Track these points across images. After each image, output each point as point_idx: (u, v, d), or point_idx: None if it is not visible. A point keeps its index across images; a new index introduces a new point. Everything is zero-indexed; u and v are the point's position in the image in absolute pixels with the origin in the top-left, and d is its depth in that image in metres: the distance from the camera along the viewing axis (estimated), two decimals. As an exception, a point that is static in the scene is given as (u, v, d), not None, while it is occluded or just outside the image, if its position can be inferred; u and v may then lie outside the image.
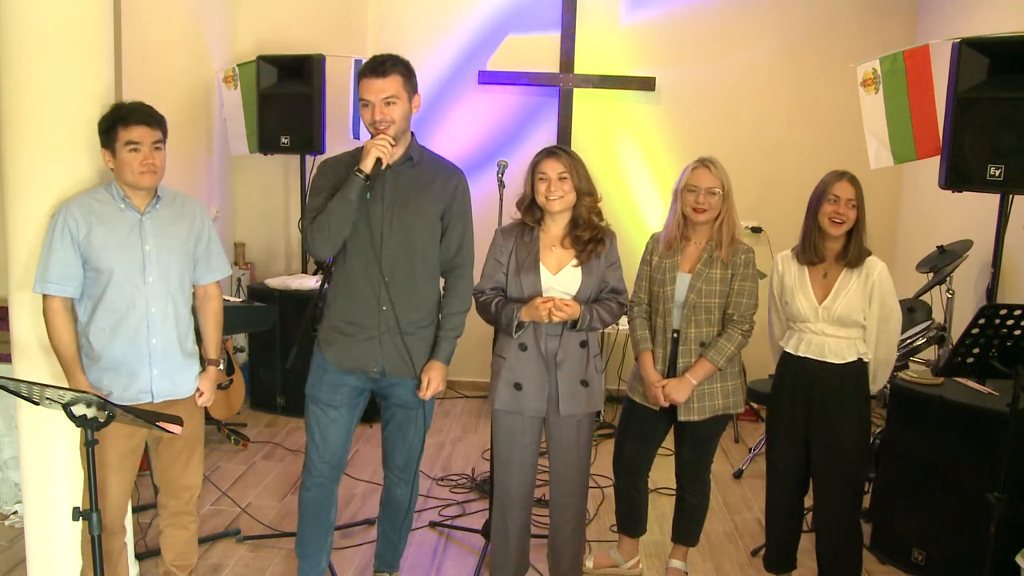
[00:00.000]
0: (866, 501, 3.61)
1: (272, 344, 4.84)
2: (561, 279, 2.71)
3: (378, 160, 2.48)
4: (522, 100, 5.36)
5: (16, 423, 2.66)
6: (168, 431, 2.18)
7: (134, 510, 2.78)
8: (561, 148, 2.74)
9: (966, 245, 3.94)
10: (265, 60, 4.89)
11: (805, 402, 2.82)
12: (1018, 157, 3.27)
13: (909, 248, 4.98)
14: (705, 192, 2.81)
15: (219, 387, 4.16)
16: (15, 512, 3.41)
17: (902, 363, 3.76)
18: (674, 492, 3.14)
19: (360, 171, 2.47)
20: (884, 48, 4.06)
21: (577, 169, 2.67)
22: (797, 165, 5.04)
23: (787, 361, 2.88)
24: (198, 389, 2.60)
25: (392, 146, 2.50)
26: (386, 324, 2.60)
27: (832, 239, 2.77)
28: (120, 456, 2.48)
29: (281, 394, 4.90)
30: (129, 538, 2.73)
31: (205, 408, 2.70)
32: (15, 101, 2.46)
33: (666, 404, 2.86)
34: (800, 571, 3.12)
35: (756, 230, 5.17)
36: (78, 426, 2.04)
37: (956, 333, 3.36)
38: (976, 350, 2.52)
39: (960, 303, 4.01)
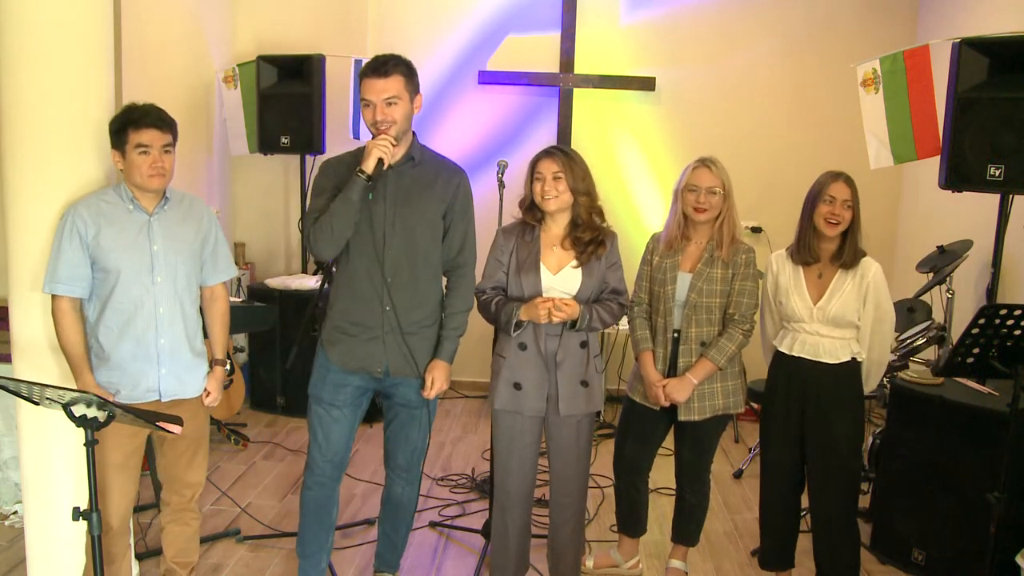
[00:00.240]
0: (866, 501, 3.62)
1: (272, 344, 4.85)
2: (561, 279, 2.71)
3: (380, 160, 2.48)
4: (522, 100, 5.36)
5: (16, 423, 2.66)
6: (168, 431, 2.18)
7: (134, 510, 2.78)
8: (560, 148, 2.73)
9: (966, 245, 3.94)
10: (265, 60, 4.89)
11: (799, 402, 2.82)
12: (1018, 157, 3.27)
13: (909, 248, 4.98)
14: (706, 192, 2.81)
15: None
16: (15, 512, 3.42)
17: (902, 363, 3.76)
18: (674, 492, 3.14)
19: (362, 172, 2.47)
20: (884, 48, 4.06)
21: (573, 169, 2.66)
22: (797, 165, 5.04)
23: (781, 361, 2.88)
24: (205, 389, 2.62)
25: (394, 146, 2.50)
26: (389, 324, 2.60)
27: (827, 240, 2.77)
28: (124, 456, 2.49)
29: (281, 394, 4.90)
30: (129, 538, 2.73)
31: (206, 407, 2.71)
32: (15, 101, 2.46)
33: (667, 404, 2.86)
34: (799, 571, 3.12)
35: (756, 230, 5.18)
36: (78, 426, 2.04)
37: (956, 333, 3.36)
38: (976, 350, 2.52)
39: (960, 303, 4.01)
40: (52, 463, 2.59)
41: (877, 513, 3.43)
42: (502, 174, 3.23)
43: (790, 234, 2.91)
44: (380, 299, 2.59)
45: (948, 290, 3.89)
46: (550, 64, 5.23)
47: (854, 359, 2.80)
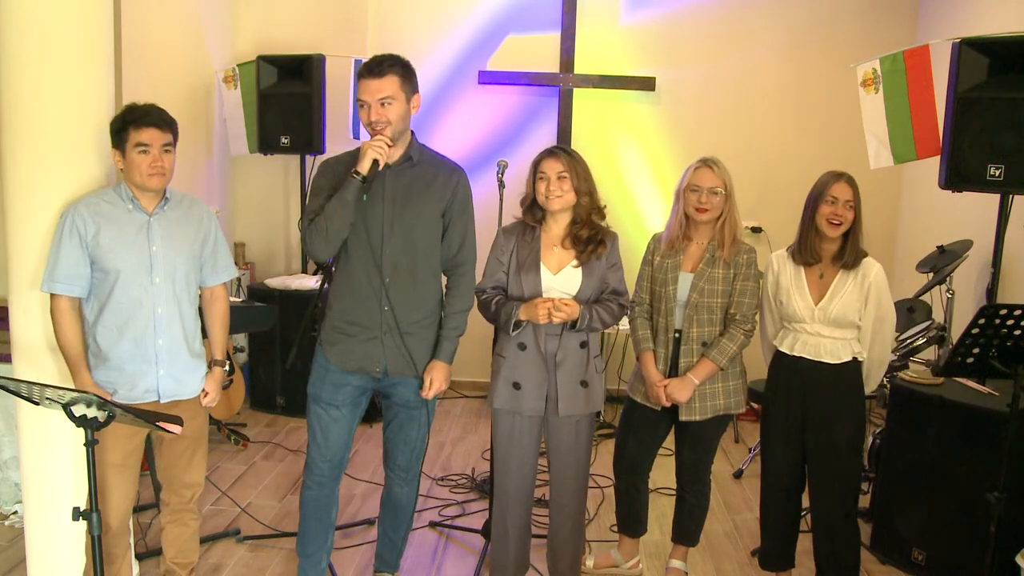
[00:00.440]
0: (866, 501, 3.62)
1: (272, 344, 4.85)
2: (561, 279, 2.71)
3: (375, 161, 2.47)
4: (522, 100, 5.36)
5: (16, 423, 2.66)
6: (168, 431, 2.18)
7: (134, 510, 2.78)
8: (562, 148, 2.74)
9: (966, 245, 3.94)
10: (265, 60, 4.90)
11: (800, 402, 2.82)
12: (1018, 157, 3.27)
13: (909, 248, 4.98)
14: (707, 192, 2.82)
15: (219, 387, 4.15)
16: (15, 512, 3.41)
17: (902, 363, 3.76)
18: (674, 492, 3.14)
19: (357, 173, 2.47)
20: (884, 48, 4.06)
21: (577, 169, 2.67)
22: (797, 165, 5.04)
23: (782, 361, 2.88)
24: (203, 390, 2.61)
25: (389, 147, 2.50)
26: (387, 324, 2.60)
27: (829, 240, 2.77)
28: (123, 455, 2.49)
29: (281, 394, 4.90)
30: (129, 538, 2.73)
31: (206, 408, 2.71)
32: (15, 101, 2.46)
33: (668, 404, 2.86)
34: (799, 571, 3.12)
35: (756, 230, 5.17)
36: (78, 426, 2.04)
37: (956, 333, 3.36)
38: (976, 350, 2.52)
39: (960, 303, 4.01)
40: (52, 463, 2.59)
41: (877, 513, 3.43)
42: (502, 174, 3.23)
43: (790, 234, 2.91)
44: (378, 299, 2.58)
45: (948, 290, 3.89)
46: (550, 64, 5.23)
47: (855, 359, 2.79)
